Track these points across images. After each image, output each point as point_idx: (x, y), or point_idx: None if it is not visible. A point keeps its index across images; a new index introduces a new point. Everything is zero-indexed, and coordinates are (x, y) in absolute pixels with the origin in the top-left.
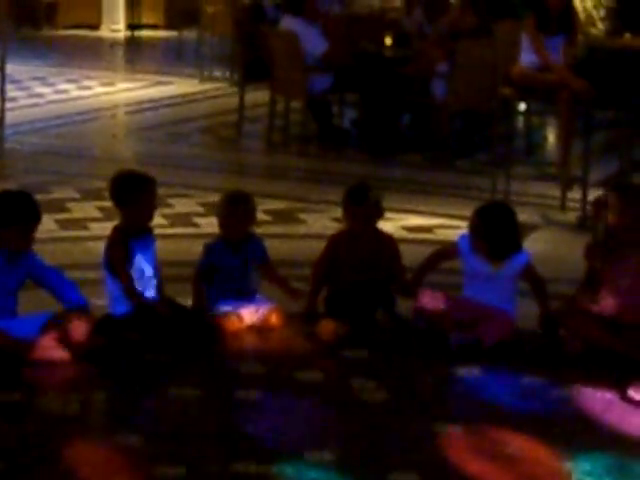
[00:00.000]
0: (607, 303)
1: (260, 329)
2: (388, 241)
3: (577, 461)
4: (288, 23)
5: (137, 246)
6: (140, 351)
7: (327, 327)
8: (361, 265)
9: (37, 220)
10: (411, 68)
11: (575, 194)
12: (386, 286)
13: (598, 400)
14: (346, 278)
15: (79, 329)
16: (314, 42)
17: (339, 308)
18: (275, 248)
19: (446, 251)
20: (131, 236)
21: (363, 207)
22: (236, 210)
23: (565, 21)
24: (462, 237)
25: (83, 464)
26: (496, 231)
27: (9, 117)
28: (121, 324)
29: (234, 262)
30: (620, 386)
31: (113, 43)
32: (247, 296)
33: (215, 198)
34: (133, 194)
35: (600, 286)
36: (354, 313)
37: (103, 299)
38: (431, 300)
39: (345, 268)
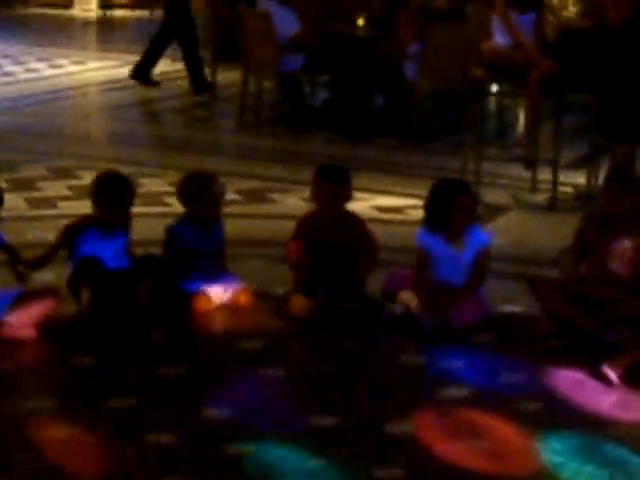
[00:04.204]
0: (590, 273)
1: (229, 308)
2: (357, 222)
3: (546, 440)
4: (263, 4)
5: (99, 236)
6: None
7: (298, 303)
8: (331, 246)
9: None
10: (382, 49)
11: (545, 176)
12: (355, 268)
13: (567, 379)
14: (316, 259)
15: (46, 308)
16: (287, 23)
17: (309, 288)
18: (246, 228)
19: (418, 262)
20: (98, 226)
21: (335, 184)
22: (211, 191)
23: None
24: (419, 231)
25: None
26: (432, 202)
27: None
28: None
29: (204, 243)
30: (592, 364)
31: (85, 22)
32: (216, 275)
33: None
34: (109, 197)
35: (585, 259)
36: (323, 294)
37: None
38: (400, 282)
39: (315, 249)
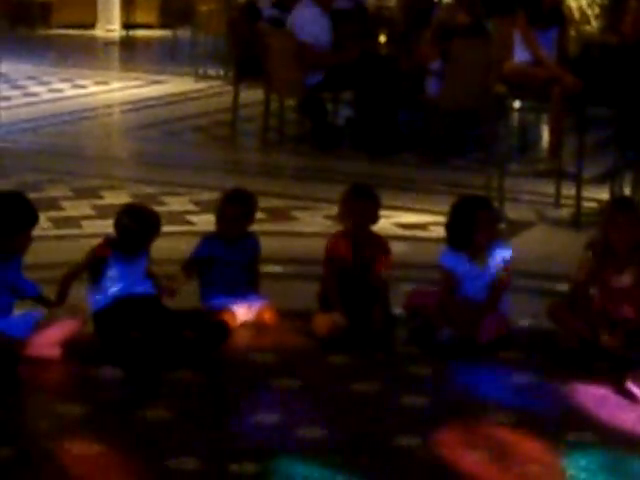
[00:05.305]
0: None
1: (253, 326)
2: (382, 244)
3: (572, 457)
4: (303, 9)
5: (124, 260)
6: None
7: (321, 322)
8: (357, 266)
9: (36, 221)
10: (403, 65)
11: (569, 191)
12: (380, 284)
13: (592, 395)
14: (342, 278)
15: (71, 327)
16: (322, 32)
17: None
18: (269, 245)
19: (443, 283)
20: (122, 250)
21: (364, 202)
22: (232, 209)
23: (556, 15)
24: (443, 251)
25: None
26: (454, 221)
27: (4, 116)
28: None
29: (227, 258)
30: (616, 380)
31: (108, 42)
32: (241, 293)
33: (209, 196)
34: (131, 232)
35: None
36: (348, 311)
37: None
38: (423, 299)
39: (342, 268)
